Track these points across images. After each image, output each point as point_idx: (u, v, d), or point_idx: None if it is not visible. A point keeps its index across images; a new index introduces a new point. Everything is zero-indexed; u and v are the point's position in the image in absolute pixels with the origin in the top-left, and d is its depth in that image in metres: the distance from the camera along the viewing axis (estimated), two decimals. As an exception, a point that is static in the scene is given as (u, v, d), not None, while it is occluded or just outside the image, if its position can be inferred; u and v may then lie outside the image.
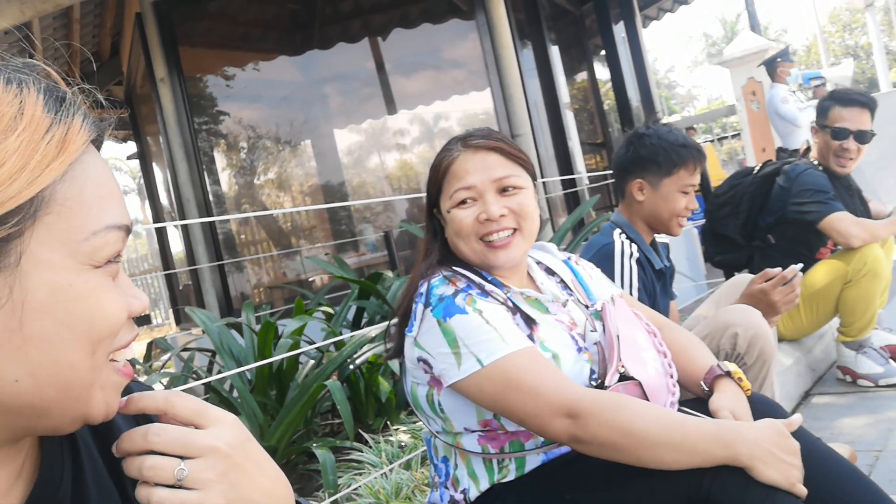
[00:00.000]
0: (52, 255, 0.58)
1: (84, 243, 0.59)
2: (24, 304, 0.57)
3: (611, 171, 2.47)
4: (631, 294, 2.10)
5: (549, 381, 1.28)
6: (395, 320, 1.55)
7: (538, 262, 1.64)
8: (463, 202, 1.46)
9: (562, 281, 1.61)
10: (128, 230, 0.64)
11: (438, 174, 1.51)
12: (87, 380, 0.61)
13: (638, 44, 7.63)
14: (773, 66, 7.27)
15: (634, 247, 2.22)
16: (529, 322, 1.42)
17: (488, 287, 1.44)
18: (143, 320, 11.74)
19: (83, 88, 0.66)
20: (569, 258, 1.69)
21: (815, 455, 1.25)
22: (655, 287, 2.27)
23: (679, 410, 1.40)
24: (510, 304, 1.43)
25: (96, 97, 0.67)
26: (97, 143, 0.66)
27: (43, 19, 5.54)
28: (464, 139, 1.52)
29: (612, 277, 2.10)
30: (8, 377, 0.57)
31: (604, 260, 2.15)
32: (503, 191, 1.47)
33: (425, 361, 1.40)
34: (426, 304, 1.40)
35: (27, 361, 0.58)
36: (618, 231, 2.27)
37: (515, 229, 1.46)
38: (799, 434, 1.24)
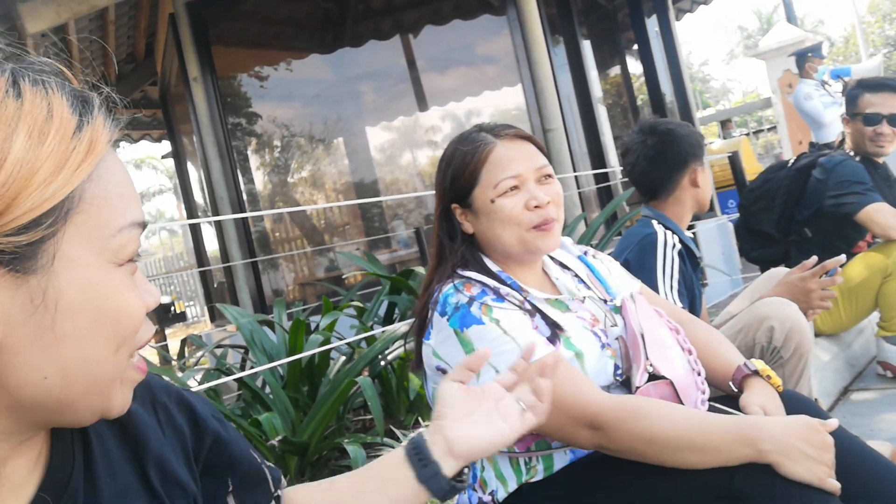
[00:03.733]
0: (81, 253, 0.59)
1: (111, 240, 0.61)
2: (57, 303, 0.58)
3: (646, 179, 2.39)
4: (672, 286, 2.07)
5: (570, 393, 1.27)
6: (414, 325, 1.52)
7: (552, 259, 1.61)
8: (507, 191, 1.44)
9: (576, 276, 1.58)
10: (144, 227, 0.66)
11: (475, 164, 1.46)
12: (110, 375, 0.63)
13: (671, 37, 7.51)
14: (803, 61, 7.13)
15: (676, 238, 2.18)
16: (552, 324, 1.39)
17: (504, 290, 1.41)
18: (178, 317, 11.90)
19: (98, 87, 0.67)
20: (584, 253, 1.66)
21: (851, 453, 1.22)
22: (693, 279, 2.23)
23: (710, 409, 1.38)
24: (528, 305, 1.41)
25: (112, 97, 0.67)
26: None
27: (79, 21, 5.60)
28: (492, 130, 1.50)
29: (653, 268, 2.07)
30: (38, 374, 0.59)
31: (647, 250, 2.12)
32: (541, 180, 1.47)
33: (444, 371, 1.39)
34: (442, 314, 1.38)
35: (58, 359, 0.59)
36: (656, 222, 2.25)
37: (555, 219, 1.46)
38: (835, 432, 1.21)
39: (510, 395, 0.93)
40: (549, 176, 1.48)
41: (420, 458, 0.86)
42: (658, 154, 2.31)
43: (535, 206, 1.43)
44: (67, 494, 0.66)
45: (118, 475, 0.71)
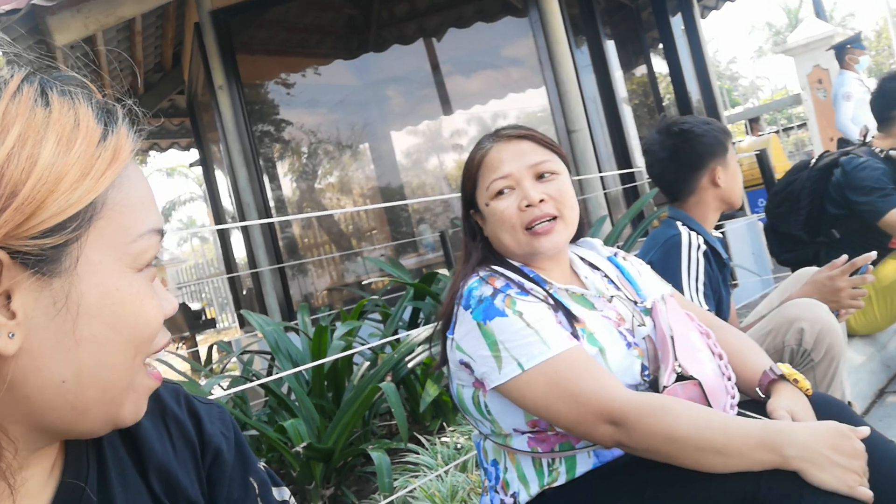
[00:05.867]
0: (103, 258, 0.61)
1: (131, 246, 0.63)
2: (78, 307, 0.59)
3: (667, 179, 2.35)
4: (697, 289, 2.03)
5: (591, 387, 1.25)
6: (439, 326, 1.53)
7: (582, 259, 1.59)
8: (500, 193, 1.45)
9: (606, 276, 1.56)
10: (162, 234, 0.67)
11: (472, 169, 1.50)
12: (124, 382, 0.64)
13: (697, 35, 7.43)
14: (843, 53, 6.95)
15: (701, 239, 2.14)
16: (572, 318, 1.38)
17: (528, 284, 1.41)
18: (209, 324, 12.00)
19: (121, 99, 0.68)
20: (615, 254, 1.64)
21: (886, 459, 1.18)
22: (720, 280, 2.19)
23: (739, 413, 1.35)
24: (552, 300, 1.39)
25: (136, 109, 0.69)
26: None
27: (106, 32, 5.68)
28: (494, 133, 1.52)
29: (678, 270, 2.04)
30: (56, 378, 0.60)
31: (671, 251, 2.09)
32: (540, 177, 1.45)
33: (467, 364, 1.38)
34: (466, 307, 1.38)
35: (76, 363, 0.60)
36: (680, 223, 2.20)
37: (556, 216, 1.44)
38: (869, 437, 1.17)
39: None
40: (551, 173, 1.46)
41: None
42: (674, 155, 2.26)
43: (527, 206, 1.43)
44: (82, 503, 0.66)
45: (130, 486, 0.72)
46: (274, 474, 0.86)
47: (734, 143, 2.30)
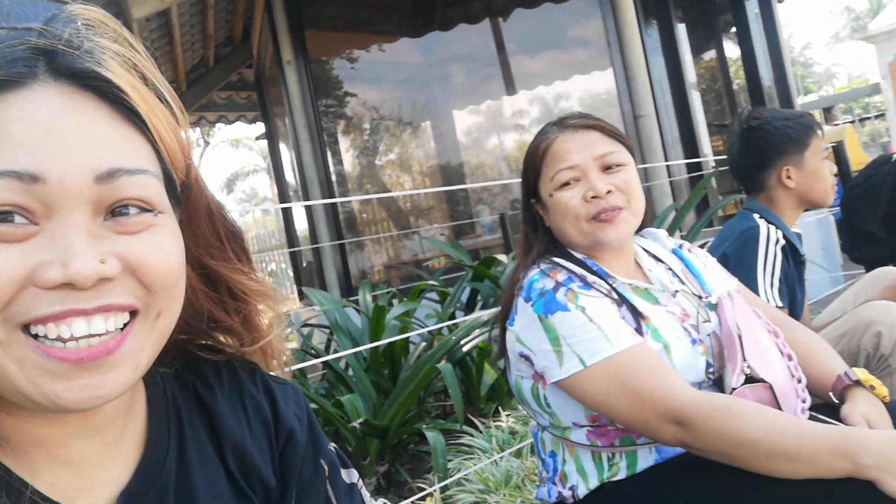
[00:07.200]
0: None
1: None
2: None
3: (736, 172, 2.29)
4: (772, 283, 1.97)
5: (655, 386, 1.22)
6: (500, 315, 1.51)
7: (646, 251, 1.55)
8: (566, 184, 1.41)
9: (670, 269, 1.51)
10: (16, 177, 0.53)
11: (536, 158, 1.46)
12: None
13: (772, 19, 7.20)
14: None
15: (780, 233, 2.07)
16: (637, 314, 1.34)
17: (591, 278, 1.37)
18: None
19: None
20: (679, 246, 1.58)
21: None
22: (795, 277, 2.12)
23: (811, 417, 1.31)
24: (615, 295, 1.36)
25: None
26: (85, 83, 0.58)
27: (181, 6, 5.79)
28: (559, 122, 1.47)
29: (754, 263, 1.98)
30: None
31: (748, 244, 2.02)
32: (607, 169, 1.41)
33: (527, 357, 1.36)
34: (527, 299, 1.35)
35: None
36: (757, 216, 2.14)
37: (623, 207, 1.39)
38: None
39: None
40: (618, 164, 1.41)
41: None
42: (744, 149, 2.20)
43: (593, 197, 1.39)
44: (162, 477, 0.67)
45: (207, 463, 0.72)
46: (343, 455, 0.86)
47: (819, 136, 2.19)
